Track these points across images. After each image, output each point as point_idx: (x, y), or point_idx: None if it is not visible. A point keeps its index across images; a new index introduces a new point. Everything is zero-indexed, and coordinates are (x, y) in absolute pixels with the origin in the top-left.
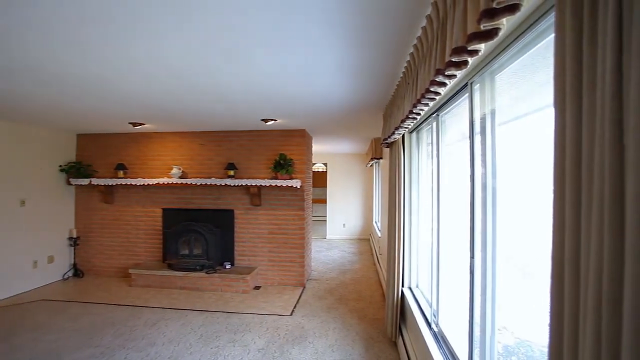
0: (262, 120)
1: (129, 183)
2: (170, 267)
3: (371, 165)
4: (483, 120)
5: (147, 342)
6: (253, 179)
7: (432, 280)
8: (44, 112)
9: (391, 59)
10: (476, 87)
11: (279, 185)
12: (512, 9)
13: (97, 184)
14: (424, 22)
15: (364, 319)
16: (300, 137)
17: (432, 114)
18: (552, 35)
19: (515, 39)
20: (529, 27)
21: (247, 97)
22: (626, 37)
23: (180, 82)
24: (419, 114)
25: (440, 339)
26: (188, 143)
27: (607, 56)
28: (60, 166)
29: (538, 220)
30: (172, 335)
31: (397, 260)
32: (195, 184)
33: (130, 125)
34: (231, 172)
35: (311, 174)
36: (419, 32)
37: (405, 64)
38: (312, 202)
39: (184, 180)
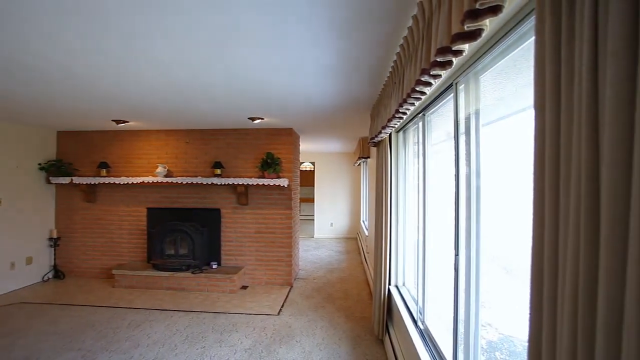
0: (249, 118)
1: (112, 182)
2: (156, 267)
3: (359, 165)
4: (468, 120)
5: (131, 344)
6: (240, 177)
7: (418, 278)
8: (20, 110)
9: (378, 58)
10: (461, 87)
11: (266, 184)
12: (495, 10)
13: (79, 183)
14: (410, 22)
15: (351, 318)
16: (288, 136)
17: (419, 113)
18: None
19: (499, 40)
20: (511, 29)
21: (231, 93)
22: (602, 37)
23: (165, 79)
24: (405, 113)
25: (426, 336)
26: (174, 141)
27: (583, 56)
28: (40, 164)
29: (521, 219)
30: (157, 336)
31: (384, 259)
32: (181, 182)
33: (114, 123)
34: (218, 171)
35: (299, 173)
36: (406, 32)
37: (392, 63)
38: (300, 201)
39: (169, 179)
